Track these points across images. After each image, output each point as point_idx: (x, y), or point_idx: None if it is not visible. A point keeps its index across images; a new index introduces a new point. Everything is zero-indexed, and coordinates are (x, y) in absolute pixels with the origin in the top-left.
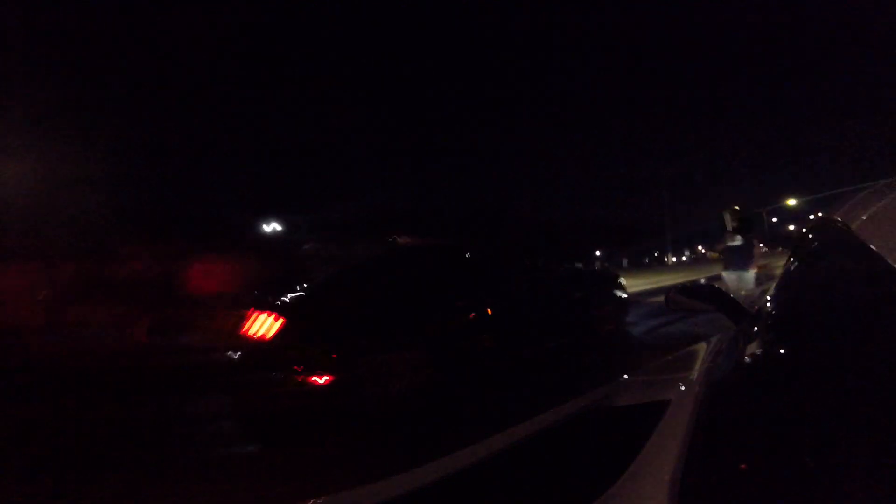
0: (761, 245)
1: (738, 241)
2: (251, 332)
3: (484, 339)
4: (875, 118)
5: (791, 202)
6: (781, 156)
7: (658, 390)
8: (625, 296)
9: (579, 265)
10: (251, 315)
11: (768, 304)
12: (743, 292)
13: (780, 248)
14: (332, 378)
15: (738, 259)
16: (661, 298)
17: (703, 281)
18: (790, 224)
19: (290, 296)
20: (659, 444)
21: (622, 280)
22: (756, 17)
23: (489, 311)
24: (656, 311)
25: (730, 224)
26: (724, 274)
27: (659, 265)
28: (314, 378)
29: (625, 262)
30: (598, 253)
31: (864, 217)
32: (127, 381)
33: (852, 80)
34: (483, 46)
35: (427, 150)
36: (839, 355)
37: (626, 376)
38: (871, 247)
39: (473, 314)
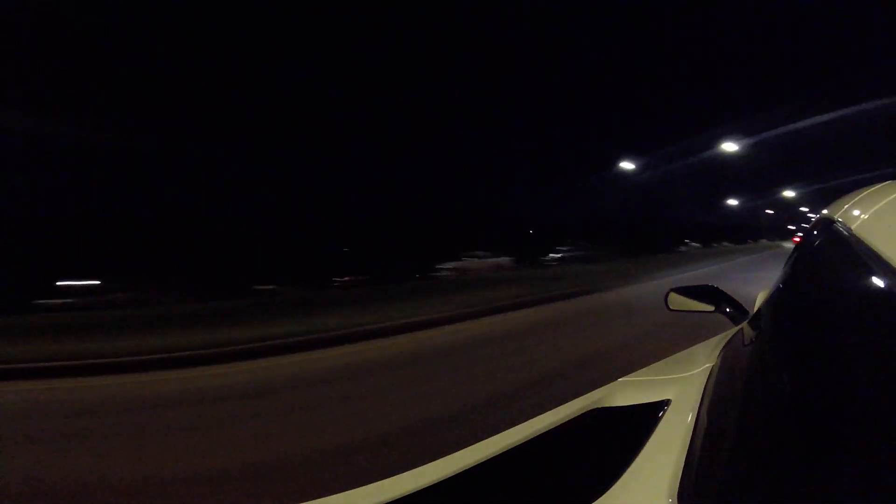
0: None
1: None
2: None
3: None
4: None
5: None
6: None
7: (658, 390)
8: None
9: None
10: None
11: (768, 305)
12: None
13: None
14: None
15: None
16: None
17: None
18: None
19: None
20: (659, 444)
21: None
22: None
23: None
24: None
25: None
26: None
27: None
28: None
29: None
30: None
31: (865, 216)
32: None
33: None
34: None
35: None
36: (839, 356)
37: (625, 377)
38: (871, 245)
39: None
